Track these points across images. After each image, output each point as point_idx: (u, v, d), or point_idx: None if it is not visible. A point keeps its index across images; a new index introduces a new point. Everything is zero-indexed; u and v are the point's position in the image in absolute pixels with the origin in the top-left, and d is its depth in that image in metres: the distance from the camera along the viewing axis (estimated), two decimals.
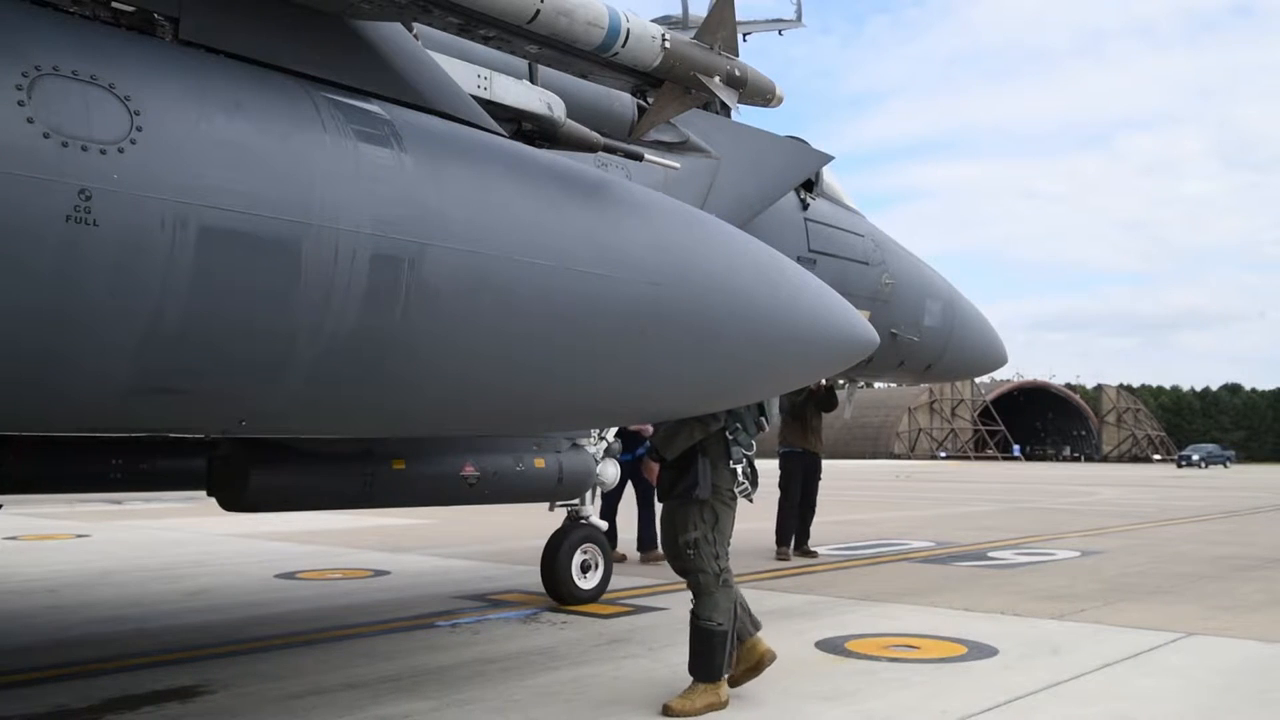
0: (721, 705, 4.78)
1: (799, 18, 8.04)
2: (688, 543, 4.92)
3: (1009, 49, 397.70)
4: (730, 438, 4.99)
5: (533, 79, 5.55)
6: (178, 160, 3.06)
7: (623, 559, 10.30)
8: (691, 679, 4.85)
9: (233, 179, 3.17)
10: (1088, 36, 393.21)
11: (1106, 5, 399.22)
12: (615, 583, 7.97)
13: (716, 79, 4.58)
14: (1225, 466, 74.02)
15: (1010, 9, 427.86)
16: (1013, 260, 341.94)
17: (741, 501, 5.10)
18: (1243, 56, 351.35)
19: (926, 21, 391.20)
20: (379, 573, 9.41)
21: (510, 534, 12.34)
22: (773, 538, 11.32)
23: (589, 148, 5.43)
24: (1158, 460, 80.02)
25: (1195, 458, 74.30)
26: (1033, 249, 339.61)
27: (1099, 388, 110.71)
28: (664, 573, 9.55)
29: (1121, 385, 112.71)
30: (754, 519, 18.58)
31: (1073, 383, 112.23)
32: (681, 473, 4.97)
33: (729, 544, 5.02)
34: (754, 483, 5.12)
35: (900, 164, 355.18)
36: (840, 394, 11.50)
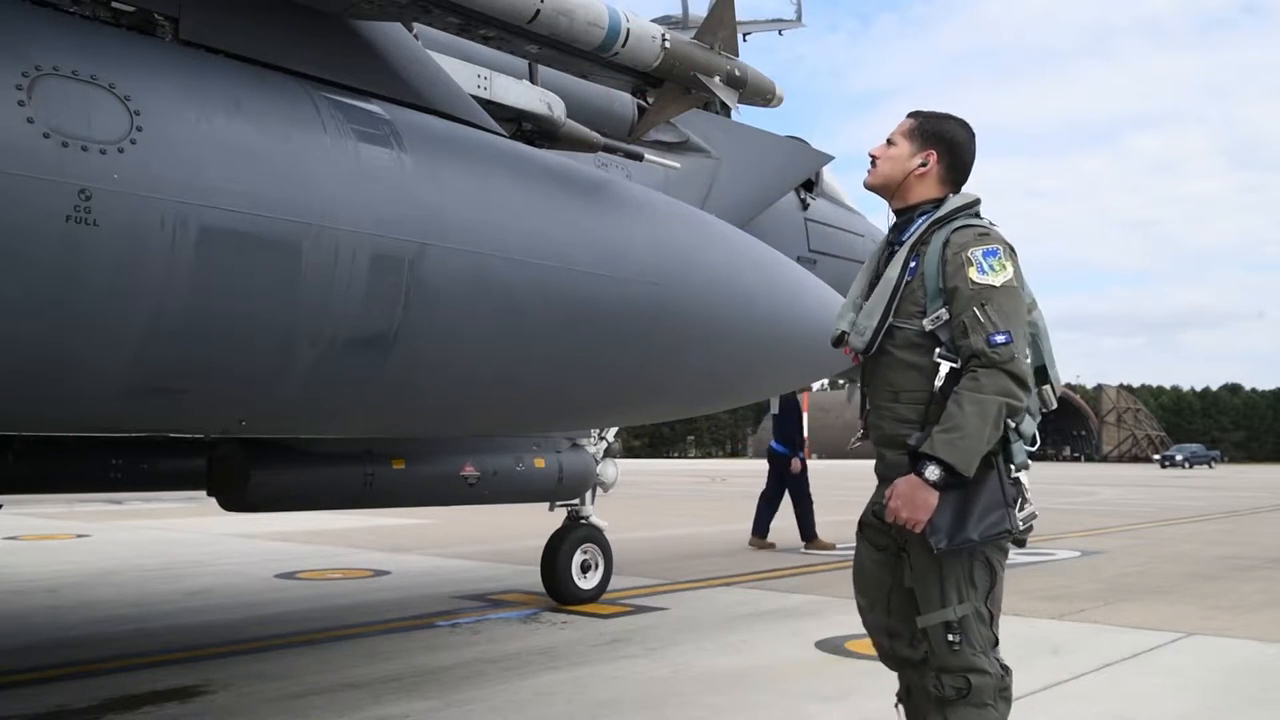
0: None
1: (799, 18, 8.04)
2: (950, 625, 2.84)
3: (1016, 47, 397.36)
4: (1012, 425, 2.87)
5: (533, 79, 5.55)
6: (178, 160, 3.06)
7: (772, 546, 11.39)
8: None
9: (233, 179, 3.17)
10: (1096, 34, 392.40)
11: (1115, 2, 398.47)
12: (615, 583, 7.96)
13: (716, 79, 4.59)
14: (1210, 466, 73.83)
15: (1018, 6, 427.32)
16: None
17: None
18: (1251, 55, 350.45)
19: (933, 19, 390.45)
20: (379, 573, 9.41)
21: (510, 534, 12.33)
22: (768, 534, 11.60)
23: (589, 148, 5.43)
24: (1156, 460, 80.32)
25: (1179, 458, 74.03)
26: (1036, 248, 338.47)
27: (1099, 388, 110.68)
28: (662, 572, 9.56)
29: (1121, 385, 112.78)
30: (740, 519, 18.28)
31: (1073, 383, 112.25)
32: (967, 497, 2.80)
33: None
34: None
35: None
36: (840, 394, 11.75)
